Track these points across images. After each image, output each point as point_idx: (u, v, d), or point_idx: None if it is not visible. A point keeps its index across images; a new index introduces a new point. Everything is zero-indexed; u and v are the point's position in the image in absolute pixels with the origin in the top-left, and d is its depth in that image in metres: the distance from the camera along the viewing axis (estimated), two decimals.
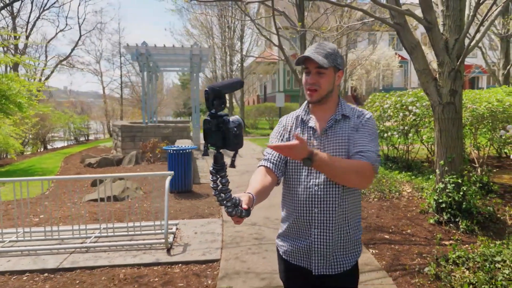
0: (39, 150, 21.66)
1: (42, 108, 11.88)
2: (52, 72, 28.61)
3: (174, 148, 7.55)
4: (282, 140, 1.85)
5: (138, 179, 8.48)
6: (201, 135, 16.46)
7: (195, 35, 27.51)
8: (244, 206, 1.38)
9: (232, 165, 1.37)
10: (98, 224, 5.18)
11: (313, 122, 1.80)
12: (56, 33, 38.02)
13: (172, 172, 4.91)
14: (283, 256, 1.87)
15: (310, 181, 1.75)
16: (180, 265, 4.14)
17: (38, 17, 28.53)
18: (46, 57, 30.35)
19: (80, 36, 31.82)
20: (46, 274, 3.97)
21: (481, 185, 5.99)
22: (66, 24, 34.74)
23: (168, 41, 55.84)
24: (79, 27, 32.66)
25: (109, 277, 3.88)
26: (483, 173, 6.43)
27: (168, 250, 4.46)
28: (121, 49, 36.05)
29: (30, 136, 20.02)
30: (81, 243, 4.71)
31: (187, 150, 7.58)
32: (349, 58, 25.30)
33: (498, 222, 4.92)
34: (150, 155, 11.96)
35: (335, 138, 1.74)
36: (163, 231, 4.75)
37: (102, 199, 6.64)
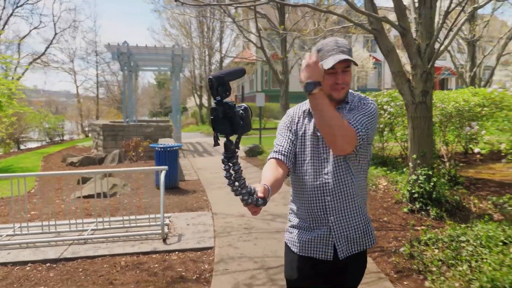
0: (11, 150, 21.26)
1: (23, 107, 11.83)
2: (25, 70, 28.08)
3: (161, 146, 7.79)
4: (290, 131, 1.87)
5: (125, 177, 8.66)
6: (183, 134, 16.52)
7: (173, 35, 27.58)
8: (260, 195, 1.39)
9: (237, 146, 1.37)
10: (93, 218, 5.41)
11: None
12: (30, 31, 37.38)
13: (166, 166, 5.18)
14: (295, 251, 1.87)
15: (319, 170, 1.79)
16: (177, 252, 4.43)
17: (11, 14, 27.97)
18: (19, 55, 29.76)
19: (55, 34, 31.34)
20: (48, 264, 4.19)
21: (449, 177, 6.52)
22: (40, 22, 34.15)
23: (145, 40, 55.36)
24: (54, 25, 32.14)
25: (110, 265, 4.14)
26: (451, 167, 6.97)
27: (164, 240, 4.74)
28: (99, 47, 35.70)
29: (1, 135, 19.65)
30: (78, 235, 4.92)
31: (174, 148, 7.84)
32: None
33: (463, 209, 5.43)
34: (133, 153, 12.10)
35: None
36: (157, 223, 5.05)
37: (93, 196, 6.84)
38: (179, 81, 17.42)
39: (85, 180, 8.61)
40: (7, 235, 4.91)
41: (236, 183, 1.32)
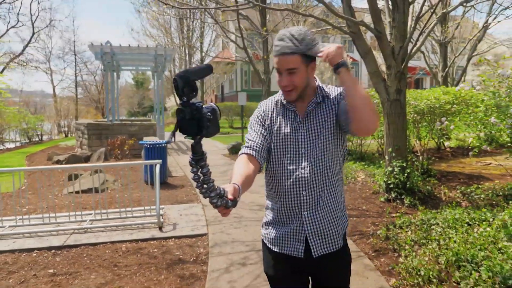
0: None
1: (8, 107, 11.86)
2: (4, 69, 27.60)
3: (151, 143, 8.08)
4: (262, 126, 1.82)
5: (113, 173, 8.90)
6: (165, 133, 16.59)
7: (153, 34, 27.66)
8: (230, 196, 1.36)
9: (197, 148, 1.34)
10: (90, 211, 5.68)
11: (294, 106, 1.80)
12: (7, 30, 36.44)
13: (160, 160, 5.50)
14: (270, 247, 1.86)
15: (297, 164, 1.76)
16: (173, 239, 4.77)
17: None
18: None
19: (33, 33, 30.89)
20: (53, 251, 4.47)
21: (422, 170, 7.06)
22: (18, 21, 33.27)
23: (125, 39, 54.88)
24: (32, 24, 31.66)
25: (112, 250, 4.45)
26: (424, 160, 7.51)
27: (160, 228, 5.07)
28: (77, 47, 35.33)
29: None
30: (78, 225, 5.19)
31: (163, 145, 8.14)
32: None
33: (435, 198, 5.95)
34: (118, 151, 12.28)
35: (319, 118, 1.77)
36: (152, 213, 5.37)
37: (84, 191, 7.08)
38: (162, 81, 17.61)
39: (74, 176, 8.82)
40: (9, 226, 5.14)
41: (205, 186, 1.30)
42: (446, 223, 4.41)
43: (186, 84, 1.17)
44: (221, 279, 3.64)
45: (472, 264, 3.40)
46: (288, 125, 1.78)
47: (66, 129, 30.20)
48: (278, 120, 1.81)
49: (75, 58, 37.18)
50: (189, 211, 5.94)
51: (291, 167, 1.76)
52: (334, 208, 1.80)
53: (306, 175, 1.74)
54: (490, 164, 8.74)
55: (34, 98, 45.80)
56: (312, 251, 1.76)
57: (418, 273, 3.43)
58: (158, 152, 8.05)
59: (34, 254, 4.38)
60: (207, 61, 30.09)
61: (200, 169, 1.28)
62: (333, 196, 1.80)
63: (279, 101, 1.83)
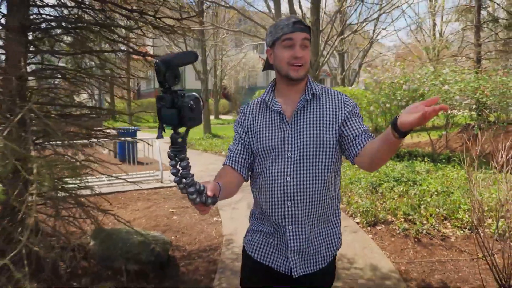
0: None
1: None
2: None
3: (124, 128, 10.05)
4: (245, 132, 1.71)
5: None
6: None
7: None
8: (209, 193, 1.24)
9: (184, 141, 1.20)
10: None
11: (279, 106, 1.65)
12: None
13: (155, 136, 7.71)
14: (252, 255, 1.71)
15: (280, 170, 1.59)
16: (174, 187, 7.07)
17: None
18: None
19: None
20: (92, 198, 6.46)
21: None
22: None
23: None
24: None
25: (138, 193, 6.62)
26: None
27: (162, 182, 7.32)
28: None
29: None
30: (100, 182, 7.18)
31: (134, 130, 10.18)
32: (223, 60, 29.06)
33: None
34: None
35: (309, 118, 1.61)
36: (151, 174, 7.56)
37: None
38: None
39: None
40: None
41: (184, 180, 1.20)
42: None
43: (168, 69, 1.10)
44: None
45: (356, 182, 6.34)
46: (273, 127, 1.65)
47: None
48: (261, 121, 1.69)
49: None
50: None
51: (275, 172, 1.60)
52: (324, 225, 1.67)
53: (291, 183, 1.57)
54: None
55: None
56: (293, 270, 1.61)
57: None
58: (130, 136, 10.04)
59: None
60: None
61: (180, 162, 1.19)
62: (324, 210, 1.64)
63: (263, 102, 1.71)
